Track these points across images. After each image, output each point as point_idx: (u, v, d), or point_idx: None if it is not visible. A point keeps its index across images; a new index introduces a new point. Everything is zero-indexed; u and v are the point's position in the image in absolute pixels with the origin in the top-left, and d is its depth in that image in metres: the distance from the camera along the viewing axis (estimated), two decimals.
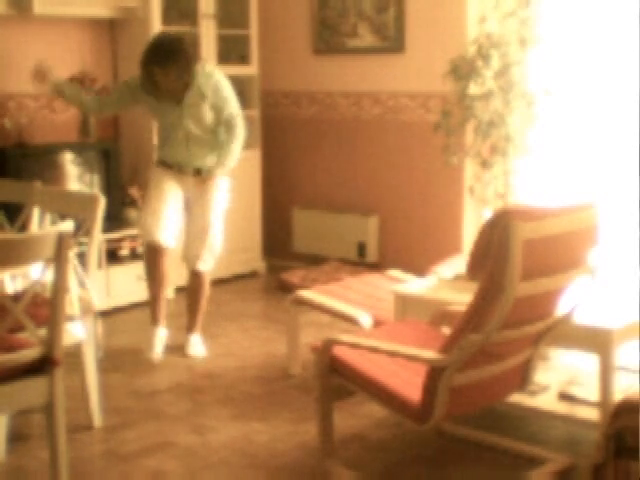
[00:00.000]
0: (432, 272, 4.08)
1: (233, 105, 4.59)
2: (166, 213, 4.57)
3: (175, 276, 5.27)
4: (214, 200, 4.62)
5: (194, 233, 4.66)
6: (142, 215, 4.70)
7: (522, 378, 3.18)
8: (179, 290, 5.67)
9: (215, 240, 4.67)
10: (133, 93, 4.60)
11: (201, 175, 4.59)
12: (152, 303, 4.74)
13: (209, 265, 4.71)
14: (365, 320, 4.02)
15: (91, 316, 3.72)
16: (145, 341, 4.74)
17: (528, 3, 5.10)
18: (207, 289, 4.78)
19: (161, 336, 4.73)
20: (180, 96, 4.50)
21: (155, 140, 5.03)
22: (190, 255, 4.68)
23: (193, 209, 4.66)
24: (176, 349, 4.77)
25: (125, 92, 4.64)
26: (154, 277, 4.66)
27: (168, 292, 4.99)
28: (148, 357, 4.64)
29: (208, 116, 4.54)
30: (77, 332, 3.60)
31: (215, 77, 4.56)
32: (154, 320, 4.73)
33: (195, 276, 4.73)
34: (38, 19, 5.38)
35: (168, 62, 4.37)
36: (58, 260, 2.77)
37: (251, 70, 6.25)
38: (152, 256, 4.62)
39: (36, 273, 3.05)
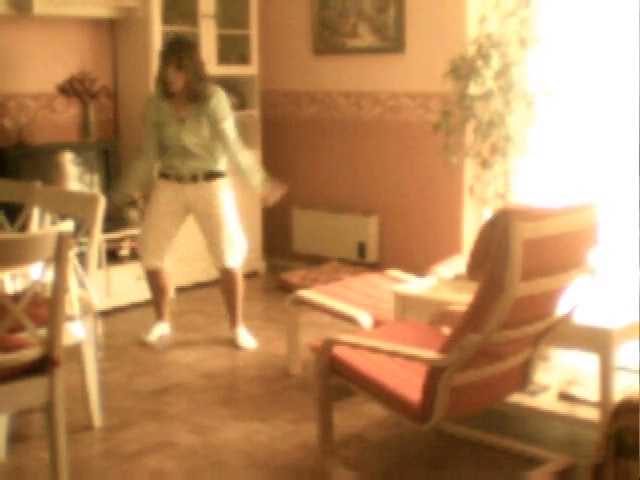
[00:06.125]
0: (432, 272, 4.08)
1: (230, 126, 4.73)
2: (159, 236, 4.83)
3: (175, 277, 5.28)
4: (219, 199, 4.77)
5: (211, 233, 4.80)
6: (140, 235, 4.98)
7: (522, 378, 3.18)
8: (179, 290, 5.68)
9: (235, 234, 4.82)
10: (152, 117, 4.74)
11: (197, 181, 4.74)
12: (156, 305, 5.02)
13: (237, 260, 4.85)
14: (365, 320, 4.02)
15: (91, 316, 3.71)
16: (146, 328, 4.96)
17: (528, 3, 5.10)
18: (240, 284, 4.92)
19: (161, 328, 4.98)
20: (186, 103, 4.66)
21: None
22: (216, 254, 4.82)
23: (200, 212, 4.81)
24: (177, 348, 4.78)
25: (152, 124, 4.77)
26: (155, 290, 4.97)
27: (170, 293, 5.17)
28: (142, 338, 4.89)
29: (206, 131, 4.70)
30: (77, 332, 3.60)
31: (217, 94, 4.71)
32: (158, 316, 5.01)
33: (225, 274, 4.88)
34: (38, 19, 5.38)
35: (183, 52, 4.58)
36: (58, 260, 2.76)
37: (251, 70, 6.25)
38: (151, 276, 4.93)
39: (36, 273, 3.05)
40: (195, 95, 4.64)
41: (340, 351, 3.15)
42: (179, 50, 4.60)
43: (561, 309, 3.04)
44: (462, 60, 5.16)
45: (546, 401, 3.51)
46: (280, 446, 3.57)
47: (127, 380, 4.33)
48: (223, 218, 4.76)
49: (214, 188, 4.75)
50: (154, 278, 4.91)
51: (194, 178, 4.73)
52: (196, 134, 4.67)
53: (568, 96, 5.16)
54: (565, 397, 3.51)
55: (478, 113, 5.15)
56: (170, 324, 5.04)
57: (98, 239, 3.75)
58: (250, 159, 4.81)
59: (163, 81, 4.64)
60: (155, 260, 4.85)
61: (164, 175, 4.80)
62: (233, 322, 4.93)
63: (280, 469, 3.38)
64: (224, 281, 4.89)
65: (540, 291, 2.81)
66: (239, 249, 4.84)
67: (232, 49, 6.19)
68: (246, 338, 4.88)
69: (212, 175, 4.75)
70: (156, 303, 5.00)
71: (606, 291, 3.62)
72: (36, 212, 3.98)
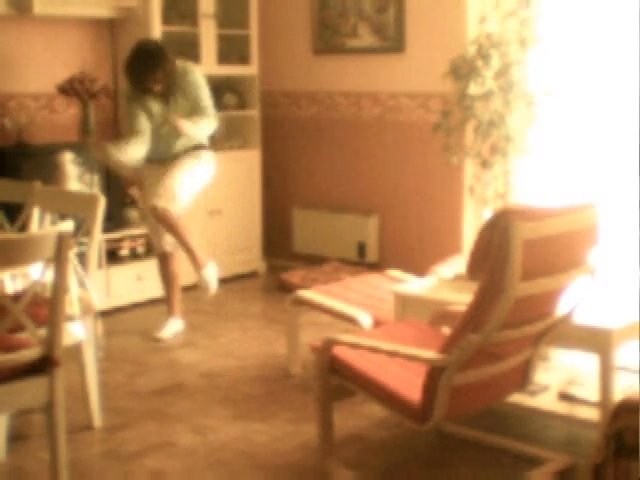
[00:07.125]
0: (432, 272, 4.08)
1: (205, 98, 4.85)
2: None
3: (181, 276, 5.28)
4: (188, 159, 4.88)
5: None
6: (147, 224, 5.12)
7: (522, 378, 3.18)
8: (184, 290, 5.67)
9: (175, 184, 4.78)
10: (139, 103, 4.84)
11: (178, 158, 4.87)
12: (167, 298, 5.08)
13: (163, 201, 4.73)
14: (365, 320, 4.01)
15: (91, 316, 3.72)
16: (157, 323, 5.01)
17: (528, 3, 5.10)
18: (169, 221, 4.79)
19: (173, 323, 5.02)
20: (167, 94, 4.80)
21: None
22: (152, 196, 4.84)
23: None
24: (177, 348, 4.79)
25: (139, 107, 4.84)
26: (166, 277, 5.04)
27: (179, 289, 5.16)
28: (154, 335, 4.92)
29: (187, 110, 4.84)
30: (77, 332, 3.60)
31: (190, 72, 4.84)
32: (170, 311, 5.05)
33: (153, 210, 4.78)
34: (38, 19, 5.39)
35: (156, 68, 4.70)
36: (58, 260, 2.76)
37: (251, 70, 6.25)
38: (161, 261, 5.06)
39: (36, 273, 3.05)
40: (172, 84, 4.79)
41: (340, 351, 3.15)
42: (153, 67, 4.69)
43: (561, 309, 3.04)
44: (462, 60, 5.17)
45: (546, 401, 3.51)
46: (280, 446, 3.57)
47: (127, 380, 4.33)
48: (176, 171, 4.82)
49: (189, 154, 4.89)
50: (166, 263, 5.00)
51: (176, 156, 4.88)
52: (178, 110, 4.79)
53: (568, 96, 5.17)
54: (565, 397, 3.51)
55: (478, 113, 5.15)
56: (183, 320, 5.08)
57: (98, 239, 3.75)
58: (201, 127, 4.82)
59: (143, 88, 4.76)
60: (162, 245, 4.96)
61: (148, 160, 4.91)
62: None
63: (280, 469, 3.39)
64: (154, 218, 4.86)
65: (540, 291, 2.81)
66: (172, 195, 4.74)
67: (232, 49, 6.19)
68: (211, 275, 4.86)
69: (193, 148, 4.90)
70: (167, 296, 5.05)
71: (606, 291, 3.62)
72: (36, 212, 3.97)
